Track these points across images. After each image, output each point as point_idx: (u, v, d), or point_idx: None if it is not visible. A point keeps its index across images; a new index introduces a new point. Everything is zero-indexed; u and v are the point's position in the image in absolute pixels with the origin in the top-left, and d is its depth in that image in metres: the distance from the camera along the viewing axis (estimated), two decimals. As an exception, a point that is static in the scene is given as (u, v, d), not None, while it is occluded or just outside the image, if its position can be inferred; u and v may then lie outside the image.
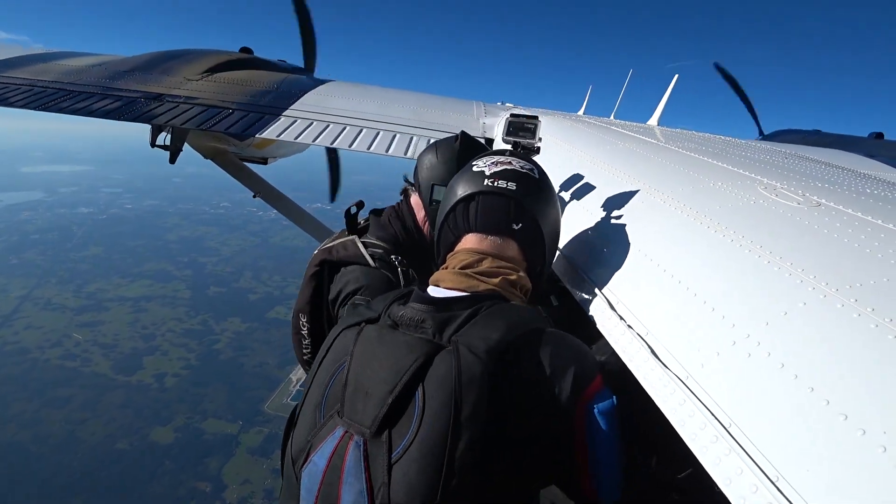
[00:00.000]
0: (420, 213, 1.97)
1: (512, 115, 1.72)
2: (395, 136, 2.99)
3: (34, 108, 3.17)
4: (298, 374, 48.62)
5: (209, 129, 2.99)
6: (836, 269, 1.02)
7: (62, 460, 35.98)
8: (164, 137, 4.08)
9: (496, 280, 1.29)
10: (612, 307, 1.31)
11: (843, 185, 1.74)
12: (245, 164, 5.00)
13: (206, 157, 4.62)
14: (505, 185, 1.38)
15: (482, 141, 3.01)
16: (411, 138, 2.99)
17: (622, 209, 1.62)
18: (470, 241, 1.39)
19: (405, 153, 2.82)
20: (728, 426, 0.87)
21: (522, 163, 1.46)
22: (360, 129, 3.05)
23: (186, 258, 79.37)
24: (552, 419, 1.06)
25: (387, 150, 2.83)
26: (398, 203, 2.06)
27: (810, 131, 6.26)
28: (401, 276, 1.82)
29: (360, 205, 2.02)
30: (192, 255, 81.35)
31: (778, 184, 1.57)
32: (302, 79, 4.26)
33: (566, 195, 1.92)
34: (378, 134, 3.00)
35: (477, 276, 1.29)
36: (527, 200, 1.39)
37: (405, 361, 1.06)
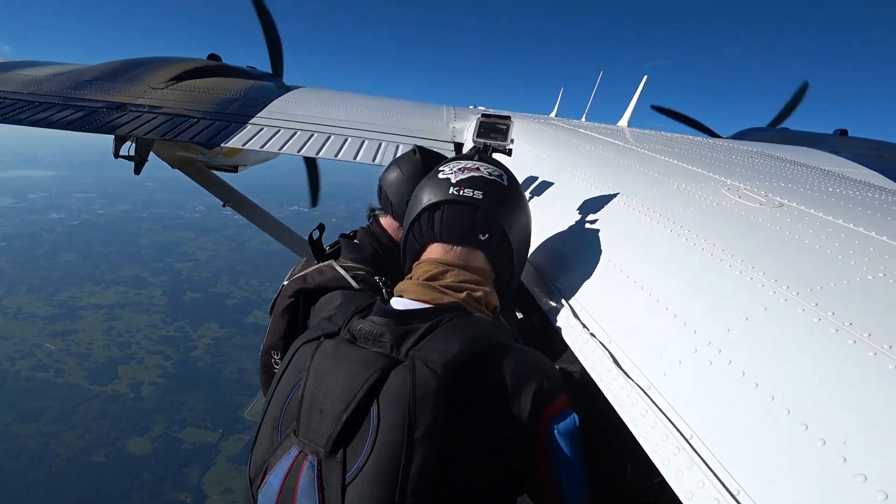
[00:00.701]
0: (397, 234, 1.91)
1: (483, 116, 1.70)
2: (363, 143, 2.97)
3: None
4: (279, 378, 48.12)
5: (174, 139, 2.92)
6: (797, 272, 1.02)
7: (36, 474, 35.02)
8: (129, 147, 3.99)
9: (462, 295, 1.25)
10: (575, 315, 1.31)
11: (806, 185, 1.76)
12: (214, 172, 4.91)
13: (173, 166, 4.53)
14: (471, 194, 1.33)
15: (451, 145, 3.00)
16: (380, 144, 2.97)
17: (586, 214, 1.62)
18: (435, 250, 1.36)
19: (373, 160, 2.80)
20: (689, 438, 0.87)
21: (491, 168, 1.42)
22: (327, 136, 3.02)
23: (161, 263, 77.72)
24: (513, 437, 1.03)
25: (354, 157, 2.81)
26: (368, 225, 2.01)
27: (777, 129, 6.37)
28: (386, 297, 1.76)
29: (321, 228, 1.91)
30: (167, 260, 79.71)
31: (741, 184, 1.59)
32: (270, 85, 4.21)
33: (531, 200, 1.91)
34: (346, 141, 2.98)
35: (441, 288, 1.25)
36: (494, 209, 1.34)
37: (360, 377, 1.02)
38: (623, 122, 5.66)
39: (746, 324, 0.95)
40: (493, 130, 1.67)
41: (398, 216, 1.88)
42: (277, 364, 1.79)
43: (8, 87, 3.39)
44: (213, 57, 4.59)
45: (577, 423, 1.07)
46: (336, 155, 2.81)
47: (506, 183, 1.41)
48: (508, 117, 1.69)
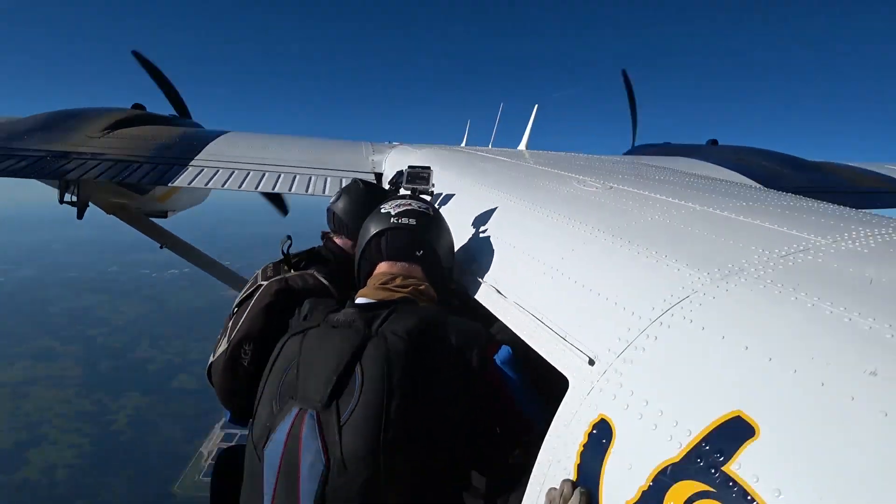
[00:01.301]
0: (352, 249, 2.22)
1: (409, 168, 2.18)
2: (295, 177, 3.37)
3: None
4: (209, 446, 45.57)
5: (123, 181, 3.22)
6: (605, 221, 1.65)
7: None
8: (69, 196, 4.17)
9: (407, 289, 1.69)
10: (481, 279, 1.84)
11: (639, 176, 2.46)
12: (148, 217, 5.12)
13: (108, 212, 4.71)
14: (407, 222, 1.80)
15: (373, 175, 3.48)
16: (310, 178, 3.39)
17: (483, 213, 2.16)
18: (383, 267, 1.79)
19: (306, 190, 3.21)
20: (541, 318, 1.42)
21: (419, 203, 1.91)
22: (262, 172, 3.40)
23: (73, 331, 71.80)
24: (470, 378, 1.42)
25: (290, 189, 3.21)
26: (323, 246, 2.38)
27: (661, 144, 7.23)
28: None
29: (290, 238, 2.23)
30: (80, 327, 73.73)
31: (589, 178, 2.25)
32: (199, 131, 4.55)
33: (447, 209, 2.39)
34: (279, 176, 3.37)
35: (392, 288, 1.68)
36: (425, 232, 1.81)
37: (345, 347, 1.38)
38: (522, 145, 6.39)
39: (573, 252, 1.55)
40: (418, 178, 2.17)
41: (353, 234, 2.21)
42: (247, 355, 2.03)
43: None
44: (137, 106, 4.86)
45: (511, 351, 1.50)
46: (273, 188, 3.21)
47: (432, 213, 1.89)
48: (429, 168, 2.19)
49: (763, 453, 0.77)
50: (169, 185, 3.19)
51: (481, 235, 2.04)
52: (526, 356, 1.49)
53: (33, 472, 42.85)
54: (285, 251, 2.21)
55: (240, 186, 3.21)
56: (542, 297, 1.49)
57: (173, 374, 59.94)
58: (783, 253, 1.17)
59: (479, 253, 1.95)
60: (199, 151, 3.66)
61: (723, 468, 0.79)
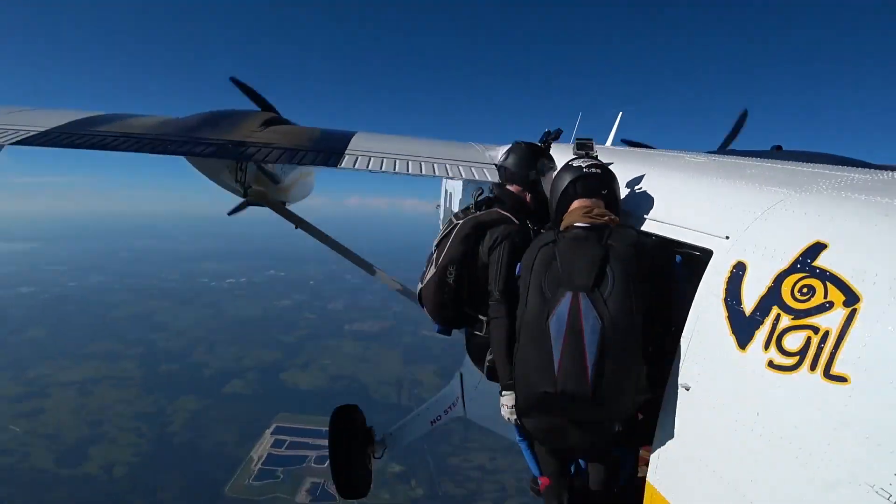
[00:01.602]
0: (520, 193, 3.08)
1: (577, 139, 2.86)
2: (433, 165, 3.98)
3: (147, 152, 3.76)
4: (259, 451, 46.36)
5: (299, 163, 3.96)
6: (720, 172, 2.53)
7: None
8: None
9: (606, 219, 2.40)
10: (640, 216, 2.56)
11: (727, 157, 3.18)
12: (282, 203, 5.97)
13: (255, 198, 5.51)
14: (595, 171, 2.58)
15: (493, 166, 4.15)
16: (446, 165, 4.04)
17: (629, 179, 2.85)
18: (577, 203, 2.54)
19: (447, 174, 3.88)
20: (685, 226, 2.27)
21: (598, 161, 2.63)
22: (406, 161, 4.00)
23: (135, 335, 75.03)
24: (663, 269, 2.32)
25: (434, 173, 3.82)
26: (498, 193, 3.12)
27: (727, 150, 7.75)
28: (529, 227, 2.86)
29: (480, 192, 3.10)
30: (142, 331, 77.00)
31: (704, 157, 2.95)
32: (334, 130, 5.33)
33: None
34: (422, 163, 3.98)
35: (594, 216, 2.40)
36: (607, 177, 2.59)
37: (596, 252, 2.21)
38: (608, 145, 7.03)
39: (701, 187, 2.40)
40: (584, 147, 2.82)
41: (521, 181, 3.07)
42: (451, 274, 2.81)
43: (137, 130, 4.06)
44: (268, 108, 5.61)
45: (682, 258, 2.41)
46: (420, 172, 3.78)
47: (608, 165, 2.68)
48: (591, 139, 2.87)
49: (834, 253, 1.64)
50: (337, 167, 3.85)
51: (637, 191, 2.75)
52: None
53: (93, 468, 44.66)
54: (477, 198, 3.00)
55: (394, 170, 3.84)
56: (684, 215, 2.28)
57: (227, 380, 62.24)
58: (839, 180, 1.95)
59: (633, 199, 2.68)
60: (348, 144, 4.22)
61: (812, 263, 1.65)
